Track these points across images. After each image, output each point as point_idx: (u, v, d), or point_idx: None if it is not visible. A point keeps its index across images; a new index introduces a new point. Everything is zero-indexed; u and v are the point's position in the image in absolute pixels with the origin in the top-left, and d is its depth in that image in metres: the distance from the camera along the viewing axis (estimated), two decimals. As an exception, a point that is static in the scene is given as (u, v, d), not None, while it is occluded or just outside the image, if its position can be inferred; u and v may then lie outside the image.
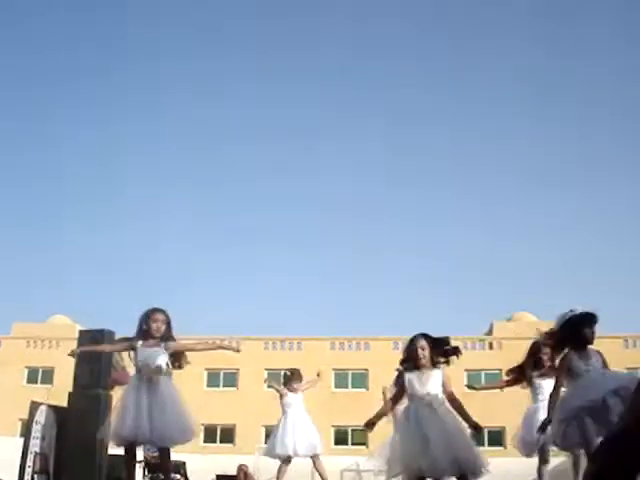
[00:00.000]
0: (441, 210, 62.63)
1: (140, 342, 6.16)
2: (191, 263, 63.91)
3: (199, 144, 64.93)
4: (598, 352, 6.03)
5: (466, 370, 36.98)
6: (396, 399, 6.07)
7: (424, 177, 63.37)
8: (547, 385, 7.13)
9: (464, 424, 5.64)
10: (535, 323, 39.82)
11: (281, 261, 61.45)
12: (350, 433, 35.43)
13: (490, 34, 62.23)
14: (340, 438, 35.85)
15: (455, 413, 5.66)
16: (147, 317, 6.20)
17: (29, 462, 12.34)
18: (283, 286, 60.46)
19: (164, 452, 6.33)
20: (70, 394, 9.64)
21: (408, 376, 5.76)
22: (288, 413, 9.57)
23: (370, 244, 62.43)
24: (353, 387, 36.29)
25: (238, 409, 36.34)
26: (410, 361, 5.81)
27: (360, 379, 36.35)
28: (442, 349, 5.89)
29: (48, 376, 36.01)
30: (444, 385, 5.76)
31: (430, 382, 5.71)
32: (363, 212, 62.83)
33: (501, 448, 34.99)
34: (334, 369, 36.66)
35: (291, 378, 9.95)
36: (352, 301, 60.25)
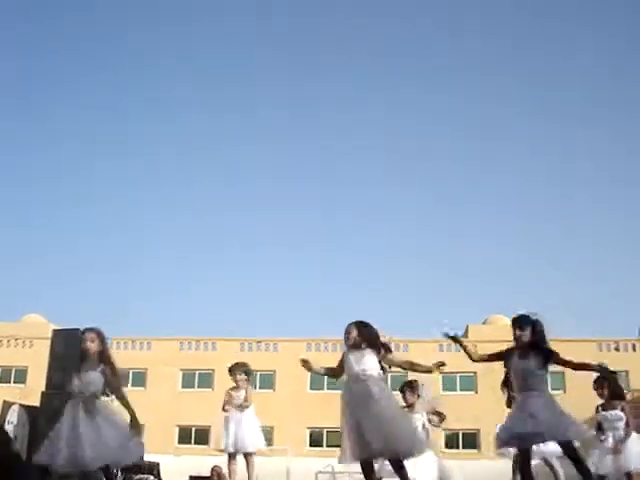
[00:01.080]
0: (417, 213, 62.96)
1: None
2: (168, 264, 63.64)
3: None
4: None
5: (441, 373, 37.13)
6: (334, 371, 6.40)
7: (399, 178, 63.62)
8: None
9: (398, 406, 5.96)
10: (509, 326, 39.93)
11: (258, 262, 61.41)
12: (325, 435, 35.44)
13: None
14: (315, 440, 35.85)
15: (390, 393, 5.86)
16: (80, 338, 6.19)
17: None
18: (259, 287, 60.43)
19: (105, 471, 6.07)
20: (43, 394, 9.55)
21: (347, 355, 6.06)
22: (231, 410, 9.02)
23: (346, 246, 62.57)
24: (328, 389, 36.34)
25: (213, 410, 35.99)
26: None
27: (336, 381, 36.18)
28: (369, 335, 6.06)
29: (21, 375, 35.69)
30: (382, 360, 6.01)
31: (364, 360, 5.91)
32: (340, 213, 62.90)
33: (475, 451, 35.22)
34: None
35: (234, 371, 9.13)
36: (330, 303, 60.30)
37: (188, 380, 38.05)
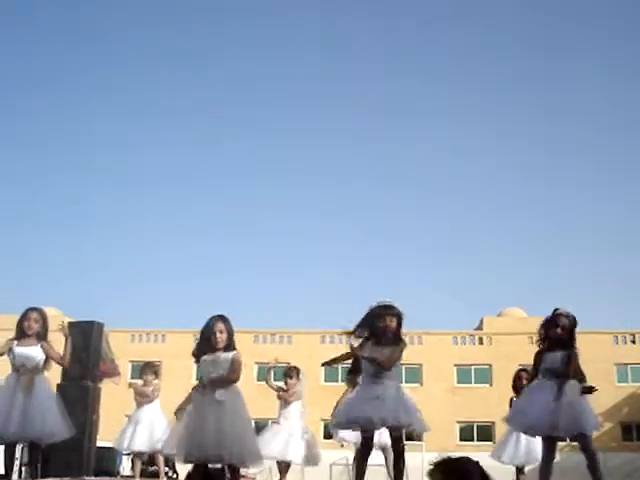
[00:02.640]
0: (435, 207, 62.79)
1: (15, 342, 6.21)
2: (181, 257, 63.82)
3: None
4: None
5: (456, 365, 37.10)
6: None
7: (415, 172, 63.45)
8: None
9: (246, 415, 5.59)
10: (524, 318, 39.88)
11: (272, 253, 61.48)
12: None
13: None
14: (329, 432, 35.83)
15: (239, 401, 5.56)
16: (21, 317, 6.28)
17: (17, 454, 12.27)
18: (274, 279, 60.50)
19: (34, 447, 6.31)
20: (59, 385, 9.59)
21: (203, 358, 5.61)
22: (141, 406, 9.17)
23: (363, 238, 62.53)
24: (343, 381, 36.24)
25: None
26: (205, 343, 5.62)
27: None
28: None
29: (37, 368, 35.90)
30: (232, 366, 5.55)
31: (220, 365, 5.56)
32: (355, 209, 62.84)
33: (490, 443, 35.12)
34: (325, 363, 36.67)
35: (145, 370, 9.42)
36: (344, 295, 60.27)
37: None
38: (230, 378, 5.50)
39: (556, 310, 5.95)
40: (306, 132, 63.21)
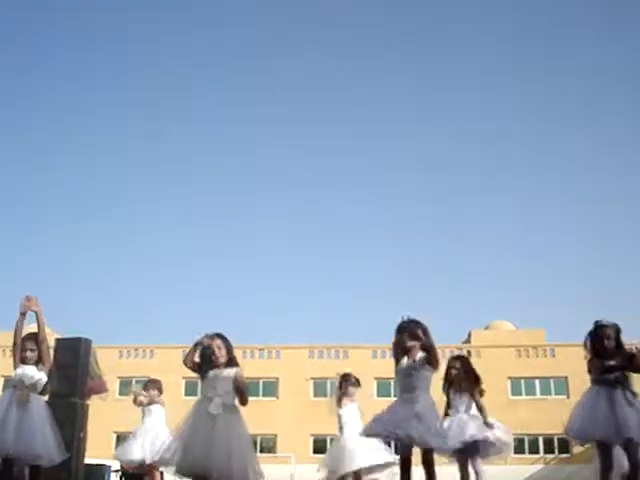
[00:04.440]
0: (421, 220, 62.97)
1: (20, 365, 6.22)
2: (166, 272, 63.64)
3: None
4: None
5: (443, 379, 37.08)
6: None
7: (406, 188, 63.65)
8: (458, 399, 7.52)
9: (243, 430, 5.56)
10: (512, 332, 40.05)
11: (259, 269, 61.43)
12: (329, 442, 35.31)
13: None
14: (319, 447, 35.74)
15: (239, 418, 5.56)
16: (20, 346, 6.29)
17: (4, 473, 12.17)
18: (260, 294, 60.42)
19: (32, 470, 6.19)
20: (46, 403, 9.53)
21: (208, 374, 5.62)
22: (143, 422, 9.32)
23: (350, 251, 62.58)
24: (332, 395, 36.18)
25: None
26: (207, 360, 5.65)
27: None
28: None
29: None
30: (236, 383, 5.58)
31: (221, 381, 5.58)
32: (346, 220, 62.92)
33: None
34: (313, 378, 36.63)
35: (148, 386, 9.58)
36: (331, 309, 60.28)
37: (191, 388, 38.01)
38: (242, 403, 5.59)
39: (598, 322, 6.18)
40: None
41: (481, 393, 7.63)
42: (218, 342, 5.64)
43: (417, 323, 6.01)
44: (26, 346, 6.27)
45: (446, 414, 7.48)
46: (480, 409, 7.50)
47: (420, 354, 5.89)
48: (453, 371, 7.65)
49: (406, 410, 5.66)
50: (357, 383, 8.59)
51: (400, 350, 5.94)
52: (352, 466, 8.15)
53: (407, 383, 5.83)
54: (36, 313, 6.37)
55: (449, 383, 7.67)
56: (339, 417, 8.39)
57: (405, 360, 5.90)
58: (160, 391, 9.54)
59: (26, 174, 64.83)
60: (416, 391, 5.79)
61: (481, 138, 61.92)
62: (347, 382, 8.58)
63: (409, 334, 5.93)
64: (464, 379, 7.62)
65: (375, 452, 8.07)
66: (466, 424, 7.31)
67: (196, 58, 66.37)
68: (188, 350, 5.76)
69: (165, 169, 64.31)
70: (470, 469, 7.38)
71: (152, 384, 9.58)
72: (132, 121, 64.85)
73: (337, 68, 64.59)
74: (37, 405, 6.13)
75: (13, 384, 6.15)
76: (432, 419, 5.75)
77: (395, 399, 6.01)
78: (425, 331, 5.97)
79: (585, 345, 6.20)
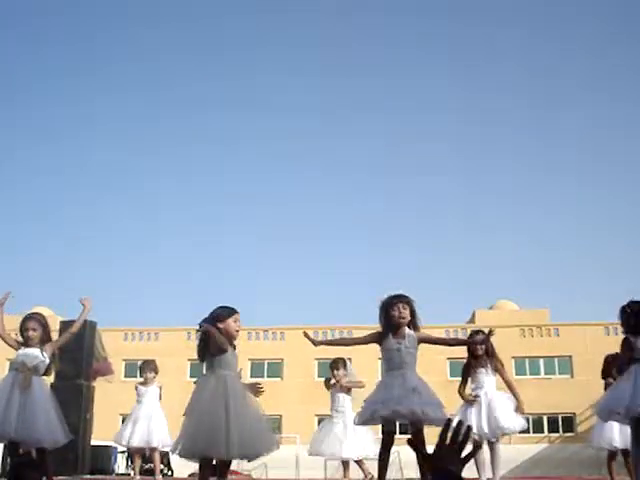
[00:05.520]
0: (426, 200, 62.83)
1: (22, 347, 6.24)
2: (173, 255, 63.74)
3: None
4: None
5: (449, 358, 37.17)
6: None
7: (407, 166, 63.49)
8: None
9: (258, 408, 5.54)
10: (516, 312, 40.11)
11: (265, 250, 61.47)
12: None
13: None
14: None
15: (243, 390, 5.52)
16: (20, 326, 6.32)
17: None
18: (265, 275, 60.51)
19: (39, 452, 6.17)
20: (51, 385, 9.59)
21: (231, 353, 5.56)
22: (140, 404, 9.26)
23: (355, 233, 62.54)
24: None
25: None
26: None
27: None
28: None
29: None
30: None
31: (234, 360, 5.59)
32: (347, 200, 62.85)
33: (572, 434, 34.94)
34: (317, 358, 36.75)
35: (144, 368, 9.55)
36: (336, 290, 60.34)
37: (196, 370, 38.12)
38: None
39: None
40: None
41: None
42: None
43: (407, 297, 6.00)
44: (28, 326, 6.25)
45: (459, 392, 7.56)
46: (510, 386, 7.57)
47: (407, 330, 5.88)
48: (479, 348, 7.59)
49: (400, 386, 5.64)
50: (344, 366, 8.81)
51: (395, 324, 5.86)
52: (341, 454, 8.43)
53: (396, 359, 5.80)
54: (84, 310, 6.54)
55: (475, 359, 7.62)
56: (334, 400, 8.73)
57: (391, 337, 5.86)
58: (156, 372, 9.49)
59: (17, 156, 64.69)
60: (406, 367, 5.78)
61: (482, 121, 61.68)
62: (338, 367, 8.80)
63: (406, 305, 5.91)
64: (491, 355, 7.61)
65: (365, 444, 8.30)
66: (495, 411, 7.33)
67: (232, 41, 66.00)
68: None
69: (164, 153, 64.14)
70: (486, 446, 7.43)
71: (147, 365, 9.52)
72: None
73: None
74: (39, 388, 6.11)
75: (15, 367, 6.15)
76: (429, 391, 5.76)
77: (380, 379, 5.95)
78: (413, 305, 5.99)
79: (624, 323, 5.95)
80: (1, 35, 67.37)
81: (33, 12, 65.00)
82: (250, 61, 64.36)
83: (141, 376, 9.49)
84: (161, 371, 9.69)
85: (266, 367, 37.76)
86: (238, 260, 62.59)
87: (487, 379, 7.54)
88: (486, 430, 7.24)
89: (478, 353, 7.61)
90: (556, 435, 35.82)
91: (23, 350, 6.19)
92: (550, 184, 60.87)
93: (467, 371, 7.67)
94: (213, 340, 5.38)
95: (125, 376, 33.46)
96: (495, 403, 7.37)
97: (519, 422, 7.39)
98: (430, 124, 62.51)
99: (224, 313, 5.56)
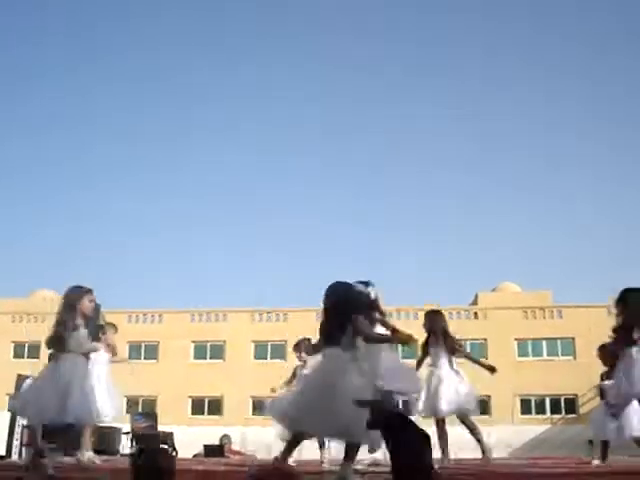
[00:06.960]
0: (427, 182, 62.75)
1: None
2: (176, 237, 63.81)
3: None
4: None
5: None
6: None
7: (410, 151, 63.35)
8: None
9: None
10: (519, 294, 40.08)
11: (267, 231, 61.55)
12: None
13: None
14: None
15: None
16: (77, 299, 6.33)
17: (17, 435, 12.37)
18: (268, 257, 60.59)
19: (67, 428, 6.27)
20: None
21: None
22: None
23: (356, 216, 62.54)
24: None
25: (225, 381, 36.45)
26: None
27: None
28: None
29: (35, 350, 35.93)
30: None
31: None
32: (351, 185, 62.78)
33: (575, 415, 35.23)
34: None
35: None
36: (339, 272, 60.26)
37: (200, 352, 38.30)
38: None
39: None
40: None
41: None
42: None
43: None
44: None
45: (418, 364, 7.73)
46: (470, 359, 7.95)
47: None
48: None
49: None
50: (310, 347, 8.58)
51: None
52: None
53: None
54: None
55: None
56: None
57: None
58: (115, 330, 9.09)
59: (26, 142, 64.64)
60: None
61: (480, 113, 61.39)
62: (299, 347, 8.61)
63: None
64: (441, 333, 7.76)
65: None
66: (458, 388, 7.52)
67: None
68: None
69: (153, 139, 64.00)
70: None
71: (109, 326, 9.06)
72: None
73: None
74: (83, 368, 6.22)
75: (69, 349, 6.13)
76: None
77: None
78: None
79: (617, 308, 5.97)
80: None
81: (32, 3, 64.73)
82: (251, 52, 64.13)
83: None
84: (164, 353, 9.70)
85: (270, 349, 37.86)
86: (241, 241, 62.71)
87: (442, 358, 7.68)
88: (427, 406, 7.35)
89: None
90: (558, 416, 35.93)
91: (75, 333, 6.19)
92: (551, 166, 60.76)
93: (424, 349, 7.83)
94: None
95: (129, 358, 33.63)
96: (443, 382, 7.48)
97: (464, 402, 7.48)
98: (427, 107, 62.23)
99: None
